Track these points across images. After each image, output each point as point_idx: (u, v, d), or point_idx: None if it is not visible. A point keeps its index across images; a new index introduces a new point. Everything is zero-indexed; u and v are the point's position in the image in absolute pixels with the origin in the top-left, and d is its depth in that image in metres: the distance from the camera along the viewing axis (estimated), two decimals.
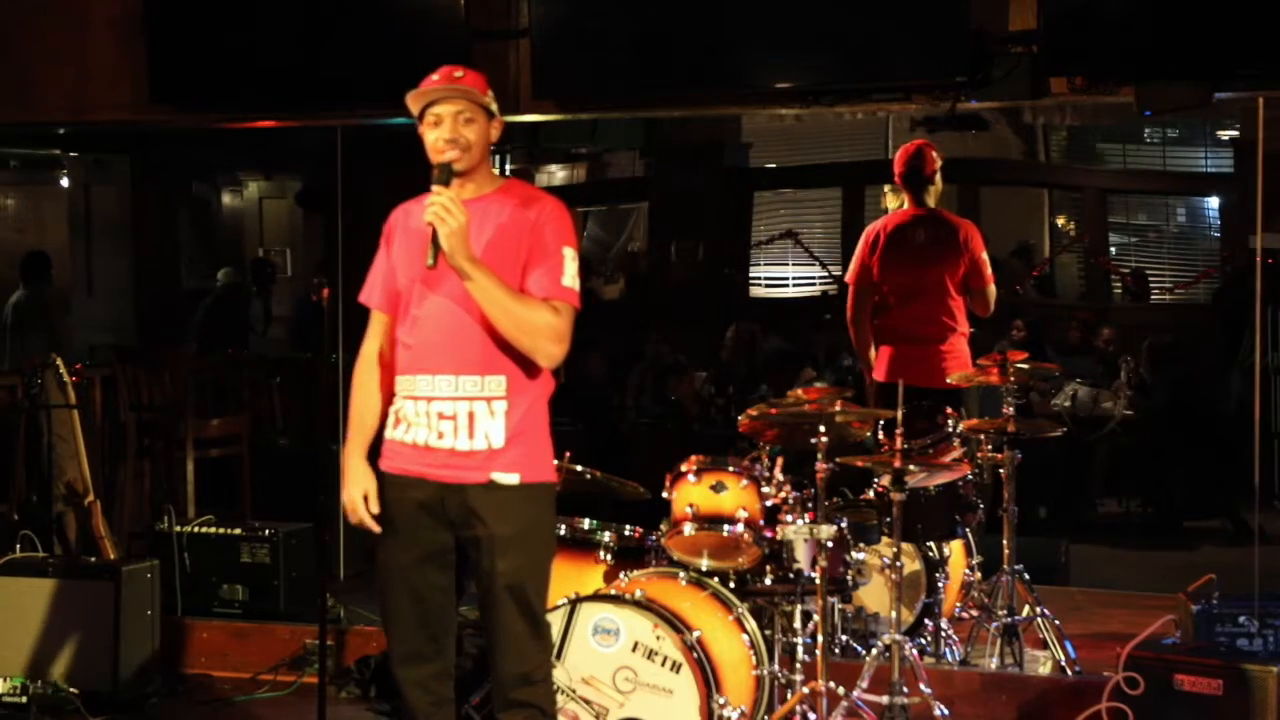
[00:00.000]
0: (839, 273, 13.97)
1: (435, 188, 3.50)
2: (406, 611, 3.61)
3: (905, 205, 6.30)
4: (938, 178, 6.27)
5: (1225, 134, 14.88)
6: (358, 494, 3.64)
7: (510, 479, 3.55)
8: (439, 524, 3.59)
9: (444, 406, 3.56)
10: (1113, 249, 14.43)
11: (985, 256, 6.23)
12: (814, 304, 13.75)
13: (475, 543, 3.57)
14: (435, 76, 3.62)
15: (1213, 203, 15.14)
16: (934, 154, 6.26)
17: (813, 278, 15.19)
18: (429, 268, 3.48)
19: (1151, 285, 13.78)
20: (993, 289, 6.23)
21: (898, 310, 6.24)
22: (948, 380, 5.92)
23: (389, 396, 3.70)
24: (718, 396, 9.26)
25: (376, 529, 3.64)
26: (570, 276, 3.57)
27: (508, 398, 3.56)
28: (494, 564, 3.54)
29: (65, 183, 13.09)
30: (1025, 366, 5.60)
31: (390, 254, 3.73)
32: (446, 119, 3.56)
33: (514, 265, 3.54)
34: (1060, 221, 15.01)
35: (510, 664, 3.58)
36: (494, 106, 3.63)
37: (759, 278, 15.14)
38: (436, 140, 3.58)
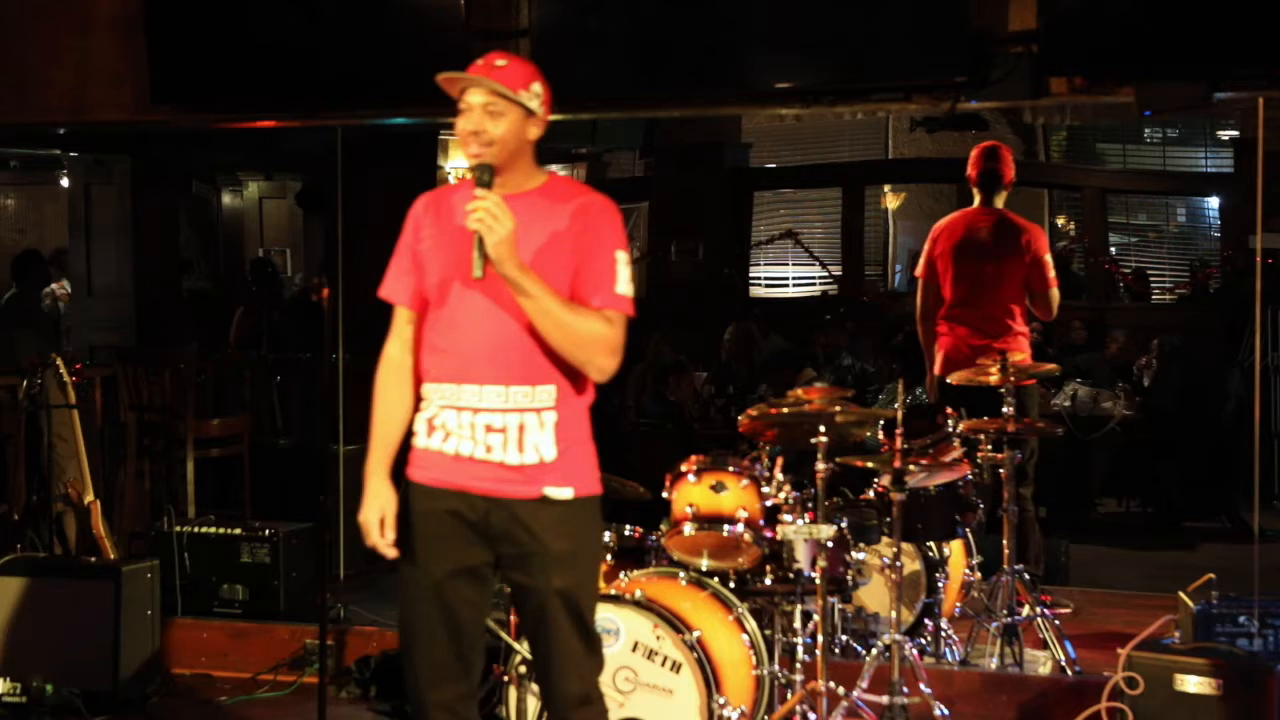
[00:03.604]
0: (839, 273, 14.04)
1: (478, 191, 3.24)
2: (437, 628, 3.39)
3: (975, 203, 6.35)
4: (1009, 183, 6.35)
5: (1225, 134, 14.90)
6: (375, 516, 3.41)
7: (564, 494, 3.36)
8: (477, 537, 3.37)
9: (493, 419, 3.33)
10: (1113, 249, 14.44)
11: (1049, 259, 6.27)
12: (814, 304, 13.77)
13: (525, 559, 3.36)
14: (479, 61, 3.36)
15: (1213, 203, 15.15)
16: (1010, 158, 6.33)
17: (813, 278, 15.21)
18: (476, 279, 3.24)
19: (1152, 285, 13.79)
20: (1055, 293, 6.27)
21: (958, 306, 6.29)
22: (948, 380, 5.92)
23: (416, 402, 3.45)
24: (718, 396, 9.26)
25: (392, 554, 3.40)
26: (624, 283, 3.34)
27: (557, 408, 3.35)
28: (549, 581, 3.34)
29: (65, 183, 13.09)
30: (1025, 366, 5.61)
31: (417, 246, 3.44)
32: (475, 109, 3.31)
33: (559, 267, 3.31)
34: (1060, 221, 15.03)
35: (569, 683, 3.40)
36: (533, 104, 3.35)
37: (759, 278, 15.15)
38: (460, 130, 3.34)
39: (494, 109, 3.31)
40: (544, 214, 3.36)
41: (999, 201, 6.32)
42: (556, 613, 3.36)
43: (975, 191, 6.36)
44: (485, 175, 3.29)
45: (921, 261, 6.47)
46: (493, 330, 3.33)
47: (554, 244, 3.33)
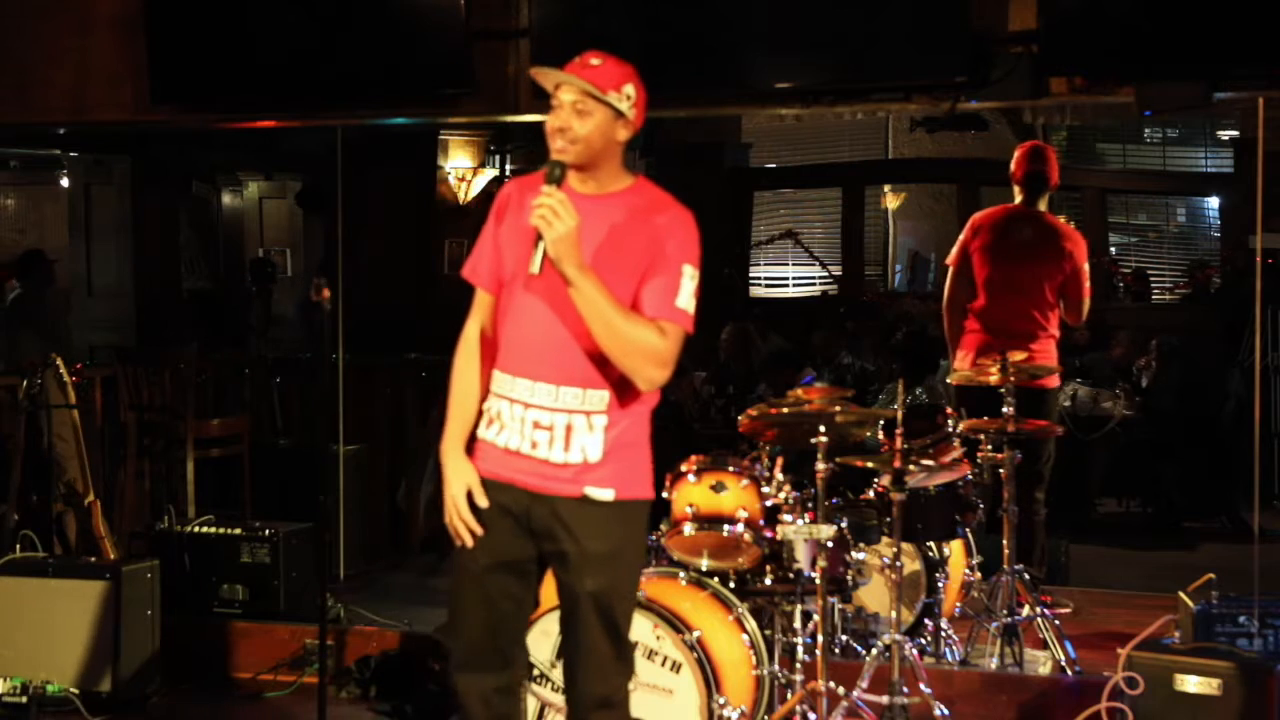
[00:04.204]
0: (839, 273, 14.04)
1: (545, 188, 3.25)
2: (476, 616, 3.43)
3: (1017, 201, 6.33)
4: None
5: (1225, 134, 14.91)
6: (460, 490, 3.40)
7: (605, 495, 3.36)
8: (522, 531, 3.39)
9: (541, 416, 3.35)
10: (1113, 249, 14.44)
11: (1087, 269, 6.25)
12: (814, 304, 13.77)
13: (562, 557, 3.38)
14: (575, 59, 3.37)
15: (1213, 203, 15.16)
16: (1055, 160, 6.34)
17: (813, 278, 15.22)
18: (533, 274, 3.26)
19: (1152, 285, 13.78)
20: (1088, 301, 6.25)
21: (991, 302, 6.25)
22: (949, 379, 5.91)
23: (489, 385, 3.47)
24: (717, 396, 9.26)
25: (479, 530, 3.39)
26: (686, 297, 3.32)
27: (608, 413, 3.35)
28: (583, 582, 3.35)
29: (65, 183, 13.10)
30: (1026, 366, 5.61)
31: (499, 231, 3.46)
32: (564, 106, 3.33)
33: (626, 273, 3.31)
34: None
35: (592, 685, 3.39)
36: (622, 106, 3.33)
37: (759, 278, 15.15)
38: (548, 126, 3.35)
39: (582, 108, 3.32)
40: (618, 218, 3.36)
41: (1042, 204, 6.31)
42: (587, 613, 3.36)
43: (1018, 191, 6.30)
44: (556, 171, 3.30)
45: (955, 250, 6.40)
46: (550, 329, 3.35)
47: (621, 249, 3.33)
